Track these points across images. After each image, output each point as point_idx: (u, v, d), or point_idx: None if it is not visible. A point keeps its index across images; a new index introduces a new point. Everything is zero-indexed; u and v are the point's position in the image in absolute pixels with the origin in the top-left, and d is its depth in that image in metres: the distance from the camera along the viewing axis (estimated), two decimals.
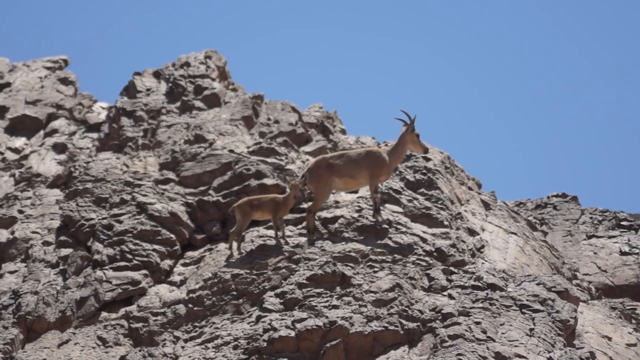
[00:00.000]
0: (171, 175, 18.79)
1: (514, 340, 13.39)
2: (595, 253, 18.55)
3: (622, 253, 18.42)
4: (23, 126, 22.72)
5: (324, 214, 16.43)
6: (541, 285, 14.55)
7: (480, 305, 13.98)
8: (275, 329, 13.76)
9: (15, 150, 21.96)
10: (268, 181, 17.96)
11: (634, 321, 16.26)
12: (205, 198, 17.92)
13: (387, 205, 16.61)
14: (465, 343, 13.25)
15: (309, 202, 16.22)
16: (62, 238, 17.27)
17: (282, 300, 14.36)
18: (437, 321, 13.77)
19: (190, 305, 15.06)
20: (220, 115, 20.85)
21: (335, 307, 14.03)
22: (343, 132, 21.82)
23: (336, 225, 16.06)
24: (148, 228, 17.00)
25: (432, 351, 13.34)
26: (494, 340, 13.34)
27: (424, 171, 17.29)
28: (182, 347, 14.52)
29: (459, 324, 13.59)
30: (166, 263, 16.69)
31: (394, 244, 15.50)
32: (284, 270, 14.95)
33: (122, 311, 15.61)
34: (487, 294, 14.22)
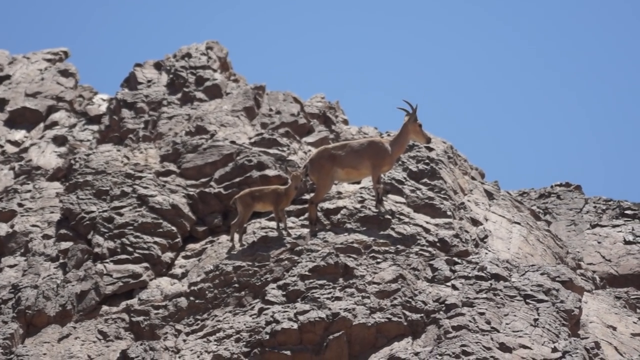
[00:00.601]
0: (172, 167, 18.72)
1: (518, 331, 13.33)
2: (599, 242, 18.45)
3: (626, 242, 18.32)
4: (23, 119, 22.62)
5: (326, 205, 16.35)
6: (545, 275, 14.47)
7: (484, 295, 13.90)
8: (277, 322, 13.68)
9: (15, 143, 21.87)
10: (270, 172, 17.90)
11: (638, 310, 16.19)
12: (207, 190, 17.86)
13: (389, 195, 16.53)
14: (469, 334, 13.19)
15: (311, 193, 16.17)
16: (62, 231, 17.18)
17: (284, 292, 14.28)
18: (441, 312, 13.68)
19: (191, 298, 14.99)
20: (222, 107, 20.79)
21: (338, 298, 13.95)
22: (345, 122, 21.76)
23: (338, 216, 15.99)
24: (149, 220, 16.94)
25: (435, 342, 13.28)
26: (498, 331, 13.28)
27: (427, 161, 17.22)
28: (184, 341, 14.47)
29: (462, 314, 13.51)
30: (167, 256, 16.63)
31: (396, 234, 15.42)
32: (286, 262, 14.88)
33: (123, 305, 15.55)
34: (491, 284, 14.14)
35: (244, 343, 13.81)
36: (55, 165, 20.17)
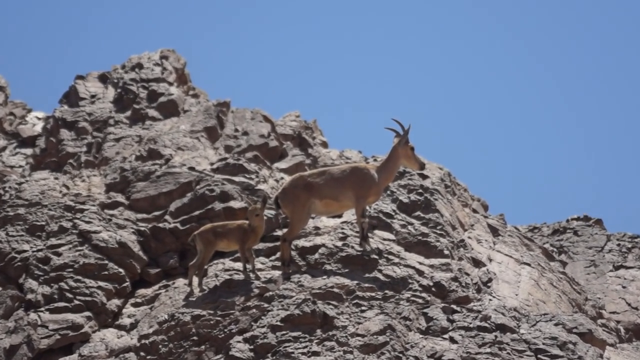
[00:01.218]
0: (120, 198, 18.74)
1: None
2: (623, 287, 18.59)
3: None
4: None
5: (302, 242, 16.40)
6: (560, 326, 14.57)
7: (488, 350, 13.97)
8: None
9: None
10: (235, 204, 17.94)
11: None
12: (161, 225, 17.88)
13: (376, 231, 16.59)
14: None
15: (284, 229, 16.18)
16: None
17: (252, 347, 14.30)
18: None
19: (142, 354, 14.97)
20: (179, 126, 20.84)
21: (316, 354, 13.99)
22: (324, 145, 21.87)
23: (316, 255, 16.04)
24: (92, 261, 16.94)
25: None
26: None
27: (420, 191, 17.31)
28: None
29: None
30: (114, 303, 16.62)
31: (385, 277, 15.49)
32: (254, 310, 14.90)
33: None
34: (496, 336, 14.21)
35: None
36: None
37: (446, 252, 16.27)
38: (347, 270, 15.70)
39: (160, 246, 17.73)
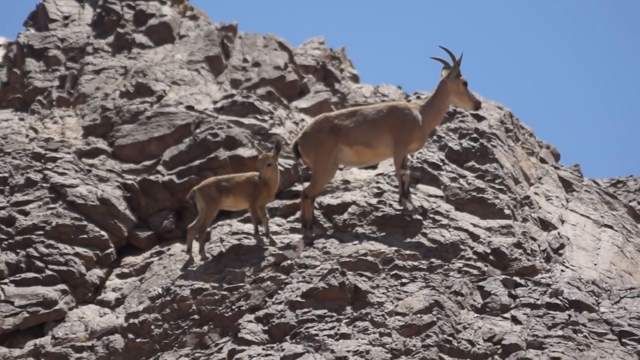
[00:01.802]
0: (101, 144, 18.77)
1: None
2: None
3: None
4: None
5: (327, 199, 16.40)
6: None
7: (560, 332, 13.94)
8: None
9: None
10: (244, 152, 17.98)
11: None
12: (152, 177, 17.92)
13: (419, 186, 16.55)
14: None
15: (305, 183, 16.18)
16: None
17: (266, 327, 14.33)
18: (496, 357, 13.68)
19: (130, 336, 15.06)
20: (174, 56, 20.82)
21: (345, 336, 13.99)
22: (355, 79, 21.80)
23: (345, 216, 16.09)
24: (67, 222, 17.00)
25: None
26: None
27: (475, 136, 17.30)
28: None
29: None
30: (95, 274, 16.70)
31: (430, 243, 15.52)
32: (268, 283, 14.90)
33: (29, 345, 15.57)
34: (570, 316, 14.18)
35: None
36: None
37: (507, 211, 16.26)
38: (383, 233, 15.75)
39: (151, 204, 17.80)
